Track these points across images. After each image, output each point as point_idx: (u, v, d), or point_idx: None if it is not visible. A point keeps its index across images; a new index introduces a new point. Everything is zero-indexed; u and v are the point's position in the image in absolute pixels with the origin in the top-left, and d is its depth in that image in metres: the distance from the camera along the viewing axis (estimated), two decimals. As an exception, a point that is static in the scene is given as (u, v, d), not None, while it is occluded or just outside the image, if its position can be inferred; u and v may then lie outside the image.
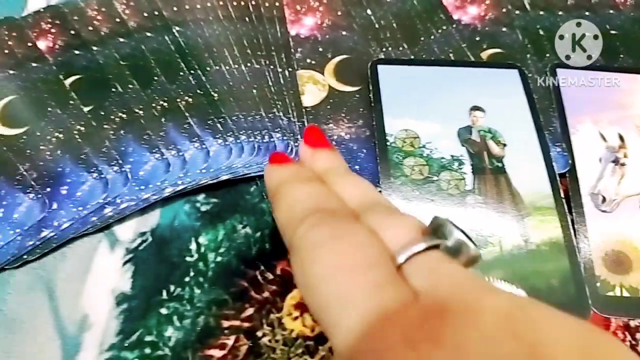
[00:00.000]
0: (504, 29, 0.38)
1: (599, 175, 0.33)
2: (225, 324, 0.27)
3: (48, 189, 0.29)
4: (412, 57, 0.36)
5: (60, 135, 0.31)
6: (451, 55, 0.36)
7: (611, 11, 0.40)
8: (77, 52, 0.35)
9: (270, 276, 0.29)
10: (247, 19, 0.37)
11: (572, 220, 0.31)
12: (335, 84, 0.35)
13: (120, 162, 0.30)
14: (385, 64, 0.35)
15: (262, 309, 0.28)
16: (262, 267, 0.29)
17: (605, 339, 0.14)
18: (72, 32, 0.36)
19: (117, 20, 0.36)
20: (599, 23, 0.38)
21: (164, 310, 0.27)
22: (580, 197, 0.32)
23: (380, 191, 0.30)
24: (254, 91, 0.33)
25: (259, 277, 0.28)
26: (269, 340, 0.27)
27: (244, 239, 0.30)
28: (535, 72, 0.36)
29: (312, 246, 0.16)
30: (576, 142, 0.34)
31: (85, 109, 0.33)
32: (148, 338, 0.26)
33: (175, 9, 0.37)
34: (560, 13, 0.39)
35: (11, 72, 0.34)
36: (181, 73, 0.34)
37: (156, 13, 0.37)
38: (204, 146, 0.31)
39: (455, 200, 0.31)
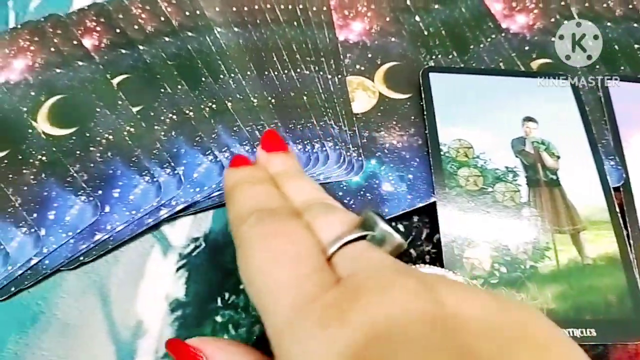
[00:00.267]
0: (552, 39, 0.38)
1: (654, 189, 0.32)
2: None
3: (100, 192, 0.29)
4: (462, 65, 0.36)
5: (110, 137, 0.31)
6: (501, 64, 0.36)
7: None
8: (123, 51, 0.35)
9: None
10: (295, 23, 0.36)
11: (628, 235, 0.31)
12: (385, 91, 0.34)
13: (172, 164, 0.30)
14: (437, 72, 0.34)
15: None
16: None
17: (517, 306, 0.15)
18: (118, 30, 0.35)
19: (162, 18, 0.36)
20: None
21: (219, 318, 0.27)
22: (635, 212, 0.31)
23: (434, 201, 0.30)
24: (305, 98, 0.33)
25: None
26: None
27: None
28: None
29: (250, 243, 0.17)
30: (629, 155, 0.33)
31: (134, 110, 0.32)
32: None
33: (217, 9, 0.36)
34: (608, 24, 0.39)
35: (58, 70, 0.34)
36: (223, 76, 0.34)
37: (197, 12, 0.36)
38: (254, 150, 0.31)
39: (511, 212, 0.30)
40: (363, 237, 0.17)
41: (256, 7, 0.37)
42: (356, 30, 0.37)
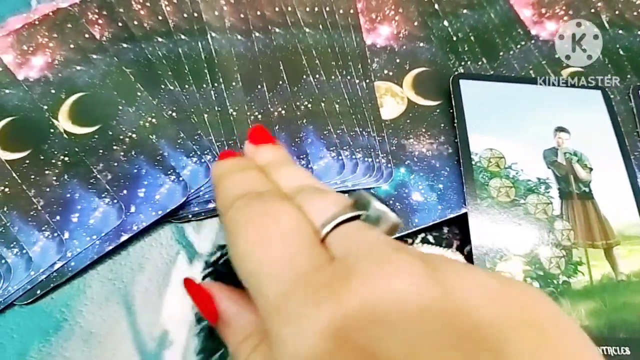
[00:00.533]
0: (583, 47, 0.37)
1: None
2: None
3: (124, 192, 0.28)
4: (492, 72, 0.35)
5: (134, 135, 0.30)
6: (531, 72, 0.35)
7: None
8: (125, 45, 0.34)
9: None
10: (321, 26, 0.35)
11: (661, 252, 0.30)
12: (414, 97, 0.34)
13: (198, 153, 0.29)
14: (468, 79, 0.34)
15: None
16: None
17: (519, 287, 0.14)
18: (120, 24, 0.34)
19: (160, 17, 0.35)
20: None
21: (246, 329, 0.26)
22: (668, 227, 0.31)
23: (465, 212, 0.29)
24: (336, 105, 0.32)
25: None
26: None
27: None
28: (617, 93, 0.35)
29: (237, 225, 0.17)
30: (662, 168, 0.33)
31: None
32: (230, 359, 0.25)
33: (216, 13, 0.35)
34: (639, 32, 0.38)
35: (78, 68, 0.33)
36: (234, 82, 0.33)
37: (195, 15, 0.35)
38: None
39: (543, 225, 0.30)
40: (357, 217, 0.17)
41: (276, 9, 0.36)
42: (384, 34, 0.36)
